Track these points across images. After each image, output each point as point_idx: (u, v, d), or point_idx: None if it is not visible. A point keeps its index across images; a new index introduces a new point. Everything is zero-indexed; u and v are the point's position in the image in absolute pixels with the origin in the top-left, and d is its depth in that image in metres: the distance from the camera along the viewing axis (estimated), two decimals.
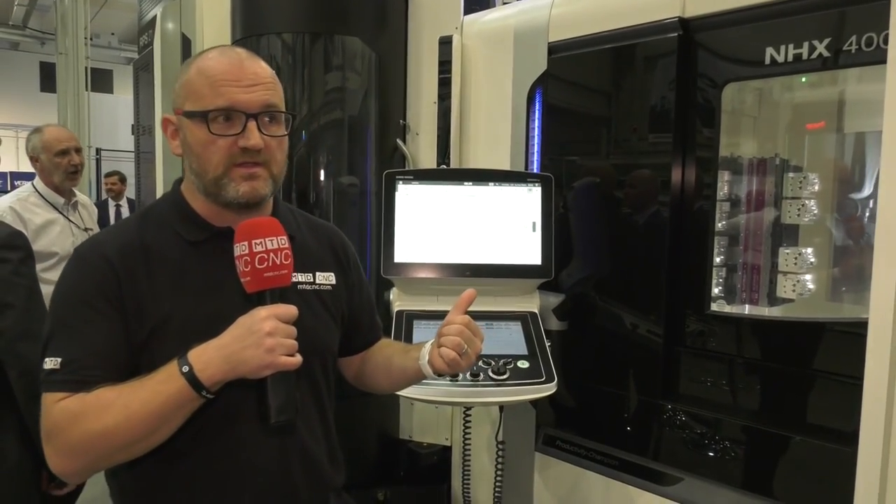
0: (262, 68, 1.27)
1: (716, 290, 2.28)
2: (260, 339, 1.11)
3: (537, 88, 2.34)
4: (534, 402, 2.31)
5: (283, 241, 1.20)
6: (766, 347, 1.98)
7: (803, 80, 2.52)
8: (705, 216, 2.07)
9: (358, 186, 2.60)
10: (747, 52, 1.91)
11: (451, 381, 1.80)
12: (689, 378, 2.06)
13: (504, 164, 2.41)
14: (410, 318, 2.04)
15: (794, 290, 2.28)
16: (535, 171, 2.33)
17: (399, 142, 2.66)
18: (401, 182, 2.09)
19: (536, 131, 2.34)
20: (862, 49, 1.70)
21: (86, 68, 9.71)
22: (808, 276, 2.31)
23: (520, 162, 2.38)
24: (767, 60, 1.86)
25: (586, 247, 2.35)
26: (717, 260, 2.30)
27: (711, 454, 1.96)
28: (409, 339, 1.96)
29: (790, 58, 1.82)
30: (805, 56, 1.80)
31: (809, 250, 2.31)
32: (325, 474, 1.38)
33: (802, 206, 2.28)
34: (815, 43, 1.77)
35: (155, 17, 3.28)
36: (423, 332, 1.99)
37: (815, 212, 2.32)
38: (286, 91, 1.33)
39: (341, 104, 2.61)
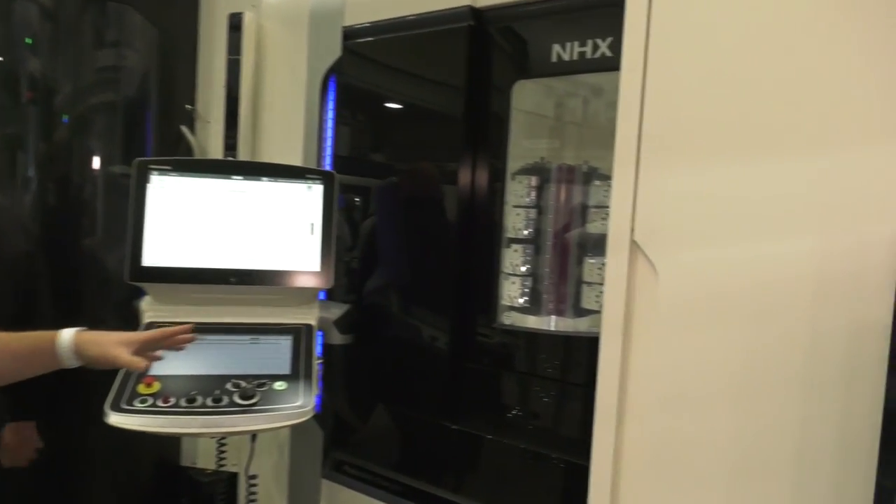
0: None
1: (520, 301, 2.16)
2: None
3: (331, 76, 2.12)
4: (322, 423, 2.08)
5: None
6: (552, 363, 1.86)
7: None
8: (495, 222, 1.92)
9: None
10: (535, 48, 1.79)
11: (187, 405, 1.53)
12: (475, 397, 1.91)
13: (297, 159, 2.17)
14: None
15: (597, 301, 2.21)
16: (329, 167, 2.11)
17: (184, 129, 2.35)
18: (155, 173, 1.79)
19: (329, 124, 2.12)
20: None
21: None
22: None
23: (313, 157, 2.15)
24: (554, 58, 1.75)
25: (383, 253, 2.16)
26: (523, 269, 2.18)
27: (496, 480, 1.82)
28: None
29: (575, 55, 1.71)
30: (589, 55, 1.69)
31: None
32: None
33: (607, 215, 2.21)
34: (599, 42, 1.67)
35: None
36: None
37: None
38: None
39: (115, 84, 2.27)
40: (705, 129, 0.98)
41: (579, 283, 2.21)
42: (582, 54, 1.69)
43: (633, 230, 1.07)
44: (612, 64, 1.67)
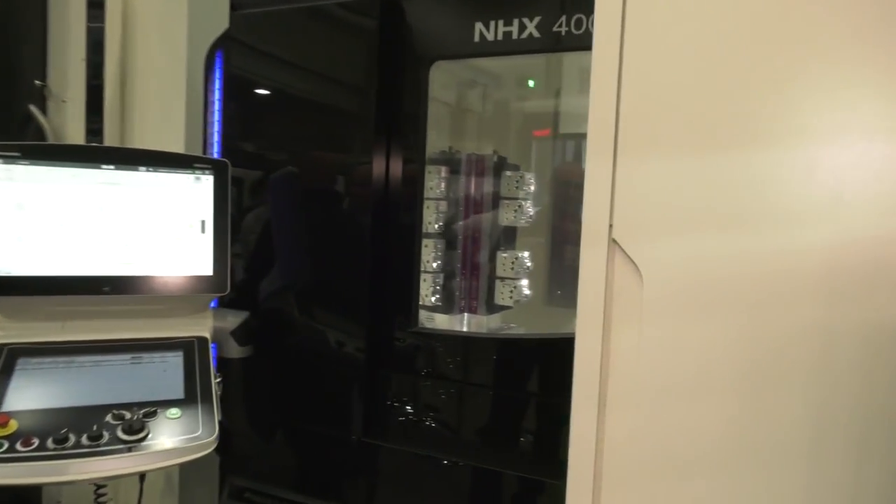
0: None
1: (433, 299, 2.02)
2: None
3: (217, 52, 1.85)
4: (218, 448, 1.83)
5: None
6: (481, 369, 1.74)
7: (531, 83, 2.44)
8: (412, 217, 1.77)
9: None
10: (456, 26, 1.64)
11: (56, 447, 1.25)
12: (395, 410, 1.75)
13: (178, 148, 1.89)
14: (14, 354, 1.43)
15: (511, 297, 2.12)
16: (216, 156, 1.84)
17: (34, 109, 1.98)
18: None
19: (217, 107, 1.85)
20: (571, 32, 1.52)
21: None
22: (524, 282, 2.16)
23: (197, 145, 1.88)
24: (477, 37, 1.61)
25: (284, 252, 1.93)
26: (435, 265, 2.04)
27: (421, 499, 1.67)
28: (4, 384, 1.35)
29: (500, 35, 1.59)
30: (515, 35, 1.58)
31: (526, 254, 2.16)
32: None
33: (519, 206, 2.13)
34: (526, 21, 1.55)
35: None
36: (31, 376, 1.39)
37: (532, 213, 2.18)
38: None
39: None
40: (692, 113, 0.90)
41: (492, 278, 2.12)
42: (507, 34, 1.57)
43: (611, 227, 0.97)
44: (539, 45, 1.57)
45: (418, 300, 1.78)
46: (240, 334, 1.69)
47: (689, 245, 0.91)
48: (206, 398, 1.43)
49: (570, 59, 1.94)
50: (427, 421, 1.72)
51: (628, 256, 0.97)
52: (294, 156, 1.88)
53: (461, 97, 2.45)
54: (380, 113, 1.72)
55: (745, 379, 0.90)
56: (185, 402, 1.41)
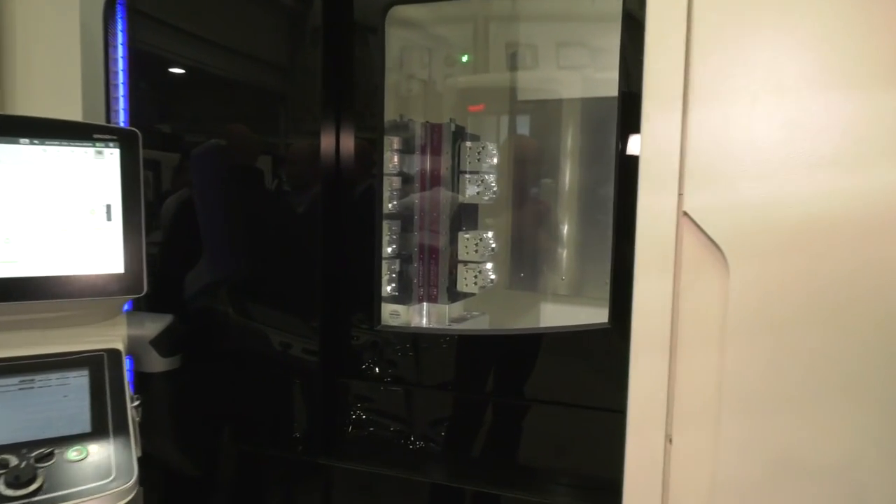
0: None
1: (388, 288, 1.77)
2: None
3: (118, 2, 1.51)
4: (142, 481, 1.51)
5: None
6: (457, 374, 1.49)
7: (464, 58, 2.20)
8: (371, 195, 1.50)
9: None
10: None
11: None
12: (357, 422, 1.49)
13: (75, 116, 1.54)
14: None
15: (475, 283, 1.89)
16: (121, 123, 1.52)
17: None
18: None
19: (121, 66, 1.52)
20: None
21: None
22: (489, 266, 1.93)
23: (99, 112, 1.54)
24: None
25: (213, 241, 1.63)
26: (390, 250, 1.79)
27: None
28: None
29: None
30: None
31: (490, 234, 1.93)
32: None
33: (482, 181, 1.89)
34: None
35: None
36: None
37: (496, 189, 1.95)
38: None
39: None
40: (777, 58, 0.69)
41: (453, 262, 1.88)
42: None
43: (681, 196, 0.74)
44: None
45: (380, 292, 1.52)
46: (162, 343, 1.38)
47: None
48: (121, 429, 1.12)
49: None
50: (398, 436, 1.48)
51: (706, 235, 0.75)
52: (222, 127, 1.57)
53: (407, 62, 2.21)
54: (327, 73, 1.43)
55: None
56: (93, 436, 1.10)
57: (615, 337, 1.21)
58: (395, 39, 1.95)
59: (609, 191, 2.08)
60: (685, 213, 0.75)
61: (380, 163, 1.49)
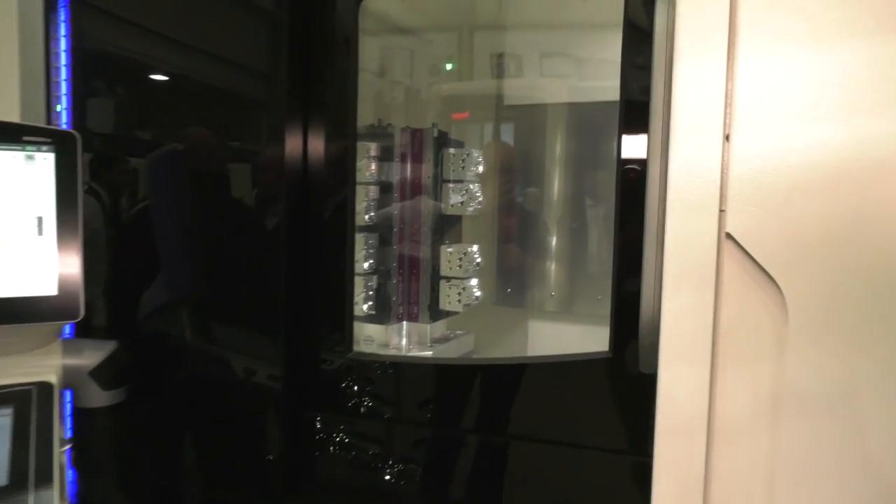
0: None
1: (364, 307, 1.62)
2: None
3: None
4: None
5: None
6: (439, 407, 1.33)
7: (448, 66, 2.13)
8: (341, 206, 1.36)
9: None
10: None
11: None
12: (325, 461, 1.34)
13: (12, 114, 1.38)
14: None
15: (459, 301, 1.75)
16: (62, 125, 1.36)
17: None
18: None
19: (64, 62, 1.36)
20: None
21: None
22: (474, 282, 1.80)
23: (39, 113, 1.38)
24: None
25: (170, 255, 1.47)
26: (366, 265, 1.64)
27: None
28: None
29: None
30: None
31: (475, 248, 1.80)
32: None
33: (466, 191, 1.76)
34: None
35: None
36: None
37: (481, 198, 1.82)
38: None
39: None
40: None
41: (435, 278, 1.75)
42: None
43: (722, 213, 0.60)
44: None
45: (352, 314, 1.37)
46: (104, 373, 1.22)
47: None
48: (43, 480, 0.96)
49: None
50: (372, 477, 1.32)
51: (756, 263, 0.61)
52: (178, 130, 1.43)
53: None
54: (294, 73, 1.29)
55: None
56: (9, 490, 0.94)
57: (617, 367, 1.08)
58: (377, 46, 1.85)
59: (600, 202, 1.99)
60: (728, 235, 0.61)
61: (352, 168, 1.34)
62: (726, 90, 0.63)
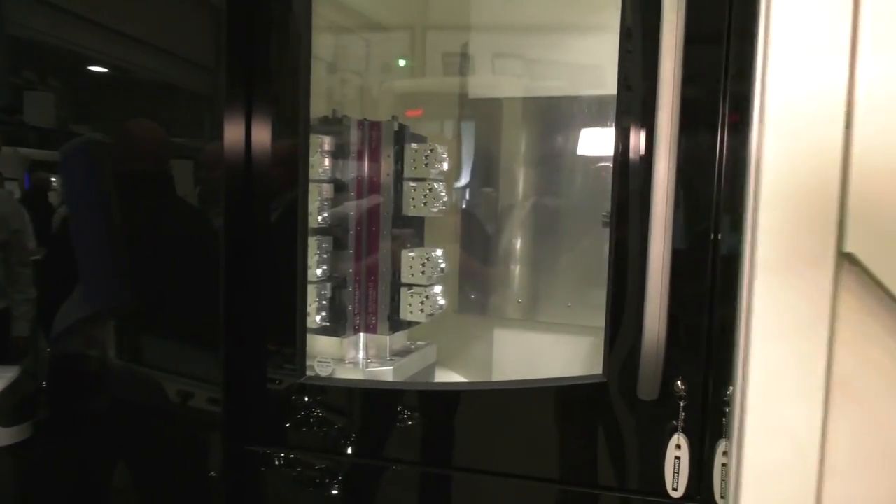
0: None
1: (318, 318, 1.46)
2: None
3: None
4: None
5: None
6: (407, 441, 1.16)
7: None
8: (291, 207, 1.19)
9: None
10: None
11: None
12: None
13: None
14: None
15: (422, 310, 1.61)
16: None
17: None
18: None
19: None
20: None
21: None
22: (437, 289, 1.66)
23: None
24: None
25: (89, 263, 1.27)
26: (319, 272, 1.48)
27: None
28: None
29: None
30: None
31: (439, 252, 1.66)
32: None
33: (430, 190, 1.61)
34: None
35: None
36: None
37: (445, 199, 1.68)
38: None
39: None
40: None
41: (396, 286, 1.60)
42: None
43: (843, 227, 0.45)
44: None
45: (304, 330, 1.20)
46: (5, 406, 1.01)
47: None
48: None
49: None
50: None
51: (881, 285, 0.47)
52: (102, 123, 1.24)
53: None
54: (234, 56, 1.11)
55: None
56: None
57: (613, 394, 0.94)
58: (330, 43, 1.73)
59: (564, 202, 1.87)
60: (846, 255, 0.47)
61: (304, 165, 1.18)
62: (850, 70, 0.49)
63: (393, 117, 1.62)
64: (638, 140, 0.88)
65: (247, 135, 1.15)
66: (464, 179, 2.02)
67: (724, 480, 0.84)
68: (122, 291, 1.25)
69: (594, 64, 1.75)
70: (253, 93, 1.15)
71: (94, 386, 1.20)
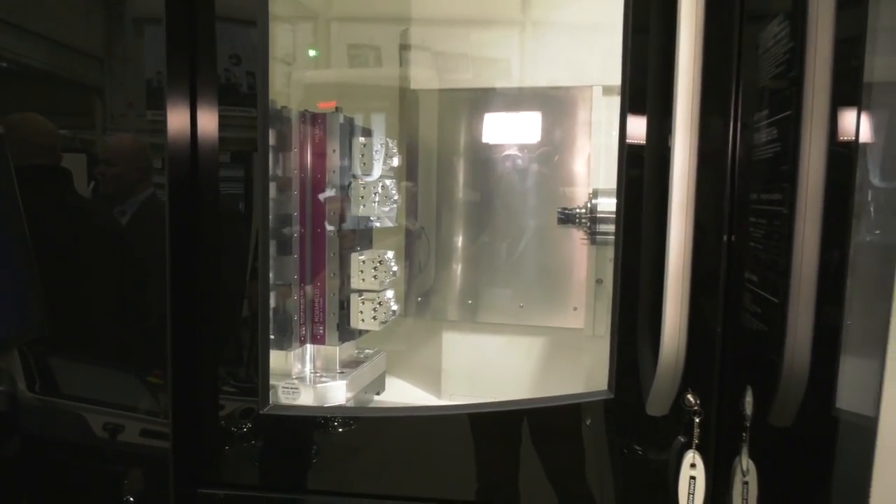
0: None
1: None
2: None
3: None
4: None
5: None
6: (388, 472, 1.05)
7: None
8: (245, 206, 1.05)
9: None
10: None
11: None
12: None
13: None
14: None
15: (374, 318, 1.49)
16: None
17: None
18: None
19: None
20: None
21: None
22: (390, 294, 1.55)
23: None
24: None
25: None
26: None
27: None
28: None
29: None
30: None
31: (391, 254, 1.55)
32: None
33: (382, 187, 1.50)
34: None
35: None
36: None
37: (397, 197, 1.57)
38: None
39: None
40: None
41: (345, 292, 1.47)
42: None
43: None
44: None
45: (267, 353, 1.05)
46: None
47: None
48: None
49: None
50: None
51: None
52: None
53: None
54: (172, 35, 0.95)
55: None
56: None
57: (621, 411, 0.87)
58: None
59: (501, 200, 1.80)
60: None
61: (263, 161, 1.03)
62: None
63: (338, 108, 1.49)
64: (654, 130, 0.81)
65: (192, 130, 0.99)
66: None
67: (746, 500, 0.80)
68: (36, 311, 1.05)
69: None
70: (197, 77, 0.99)
71: (8, 427, 1.00)
